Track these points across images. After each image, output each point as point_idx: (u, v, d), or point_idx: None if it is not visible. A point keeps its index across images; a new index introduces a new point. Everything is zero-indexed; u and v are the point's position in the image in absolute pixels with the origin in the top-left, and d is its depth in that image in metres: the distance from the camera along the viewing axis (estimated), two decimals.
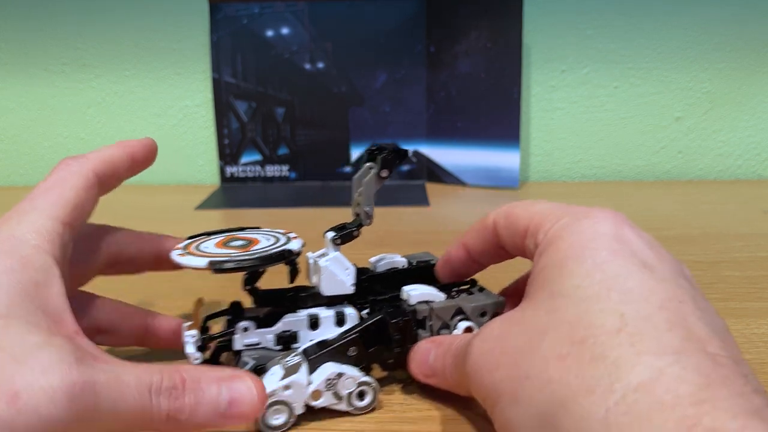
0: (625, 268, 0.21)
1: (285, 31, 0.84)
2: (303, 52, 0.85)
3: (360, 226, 0.33)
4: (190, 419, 0.23)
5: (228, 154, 0.87)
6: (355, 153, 0.87)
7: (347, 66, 0.85)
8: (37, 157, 0.91)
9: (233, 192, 0.84)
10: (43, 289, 0.23)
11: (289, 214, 0.73)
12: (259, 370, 0.29)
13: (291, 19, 0.84)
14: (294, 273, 0.32)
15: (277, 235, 0.33)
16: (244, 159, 0.87)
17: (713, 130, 0.87)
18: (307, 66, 0.85)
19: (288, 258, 0.30)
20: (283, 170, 0.88)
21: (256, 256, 0.29)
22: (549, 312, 0.20)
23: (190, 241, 0.32)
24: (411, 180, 0.87)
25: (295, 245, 0.31)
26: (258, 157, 0.87)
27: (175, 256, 0.29)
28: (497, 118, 0.81)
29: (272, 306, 0.32)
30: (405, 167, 0.87)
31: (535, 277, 0.23)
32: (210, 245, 0.31)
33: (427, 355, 0.29)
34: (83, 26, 0.87)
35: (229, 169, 0.88)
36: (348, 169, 0.87)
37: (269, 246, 0.31)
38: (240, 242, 0.31)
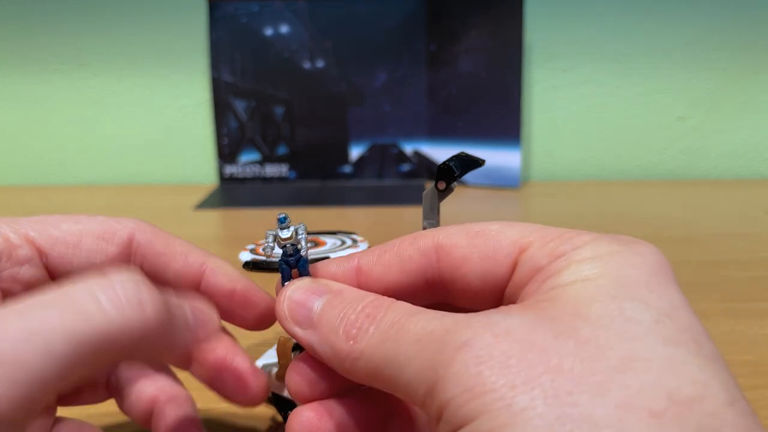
0: (698, 323, 0.17)
1: (284, 29, 0.84)
2: (302, 50, 0.84)
3: None
4: (169, 321, 0.19)
5: (227, 153, 0.87)
6: (355, 152, 0.87)
7: (347, 65, 0.85)
8: (34, 156, 0.91)
9: (232, 192, 0.84)
10: None
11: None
12: None
13: (290, 18, 0.84)
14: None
15: (345, 238, 0.32)
16: (243, 158, 0.87)
17: (715, 129, 0.87)
18: (307, 65, 0.85)
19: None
20: (283, 170, 0.87)
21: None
22: (624, 339, 0.15)
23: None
24: (411, 180, 0.86)
25: (342, 254, 0.30)
26: (257, 156, 0.87)
27: (242, 252, 0.29)
28: (498, 117, 0.81)
29: None
30: (405, 167, 0.87)
31: (582, 284, 0.18)
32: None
33: (311, 297, 0.21)
34: (81, 25, 0.86)
35: (228, 169, 0.87)
36: (347, 168, 0.87)
37: (325, 250, 0.30)
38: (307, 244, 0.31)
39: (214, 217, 0.72)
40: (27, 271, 0.22)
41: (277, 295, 0.22)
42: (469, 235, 0.21)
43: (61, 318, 0.16)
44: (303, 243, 0.23)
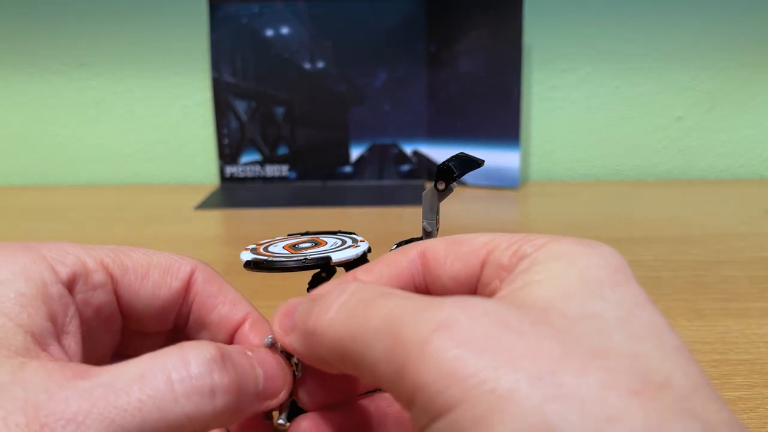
0: (659, 317, 0.18)
1: (285, 30, 0.84)
2: (303, 51, 0.85)
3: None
4: (237, 404, 0.19)
5: (227, 153, 0.87)
6: (355, 152, 0.87)
7: (347, 65, 0.85)
8: (35, 156, 0.91)
9: (233, 192, 0.84)
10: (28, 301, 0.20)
11: (288, 214, 0.72)
12: None
13: (291, 18, 0.84)
14: (317, 280, 0.32)
15: (345, 238, 0.32)
16: (243, 159, 0.87)
17: (714, 129, 0.87)
18: (307, 65, 0.85)
19: (321, 265, 0.28)
20: (283, 170, 0.87)
21: (293, 260, 0.28)
22: (596, 334, 0.16)
23: (268, 240, 0.32)
24: (411, 180, 0.87)
25: (343, 254, 0.29)
26: (257, 156, 0.87)
27: (243, 252, 0.29)
28: (497, 117, 0.81)
29: None
30: (405, 167, 0.87)
31: (552, 281, 0.18)
32: (280, 246, 0.31)
33: (294, 306, 0.22)
34: (82, 25, 0.87)
35: (229, 169, 0.87)
36: (348, 168, 0.87)
37: (325, 249, 0.30)
38: (307, 244, 0.31)
39: (214, 217, 0.72)
40: (99, 297, 0.22)
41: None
42: (447, 242, 0.22)
43: (140, 406, 0.17)
44: None
